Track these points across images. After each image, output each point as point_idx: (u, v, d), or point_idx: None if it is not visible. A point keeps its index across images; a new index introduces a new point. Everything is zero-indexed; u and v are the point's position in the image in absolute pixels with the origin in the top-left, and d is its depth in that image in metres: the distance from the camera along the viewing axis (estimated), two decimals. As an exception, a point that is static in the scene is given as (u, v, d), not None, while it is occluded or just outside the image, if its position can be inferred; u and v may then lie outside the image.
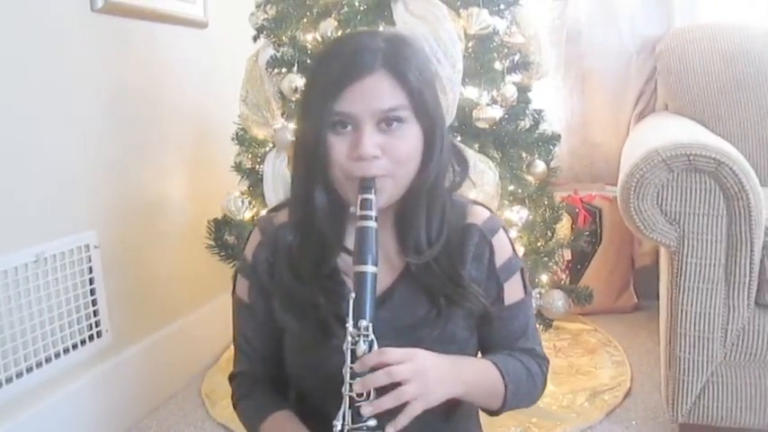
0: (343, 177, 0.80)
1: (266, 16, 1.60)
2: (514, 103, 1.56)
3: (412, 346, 0.76)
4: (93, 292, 1.52)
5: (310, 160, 0.81)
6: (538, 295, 1.63)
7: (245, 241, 0.94)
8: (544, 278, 1.65)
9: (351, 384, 0.71)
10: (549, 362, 0.94)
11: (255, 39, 1.65)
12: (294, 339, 0.88)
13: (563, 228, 1.77)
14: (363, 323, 0.73)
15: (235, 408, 0.95)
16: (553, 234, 1.67)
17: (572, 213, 2.13)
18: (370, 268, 0.75)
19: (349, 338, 0.73)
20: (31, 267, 1.34)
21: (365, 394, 0.71)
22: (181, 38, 1.87)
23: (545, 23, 2.24)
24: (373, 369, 0.71)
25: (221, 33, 2.02)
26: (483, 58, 1.50)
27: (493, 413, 0.88)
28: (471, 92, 1.53)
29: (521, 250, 1.62)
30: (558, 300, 1.61)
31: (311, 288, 0.83)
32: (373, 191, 0.77)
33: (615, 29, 2.25)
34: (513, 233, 1.63)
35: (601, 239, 2.22)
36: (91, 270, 1.51)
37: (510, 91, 1.54)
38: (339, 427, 0.70)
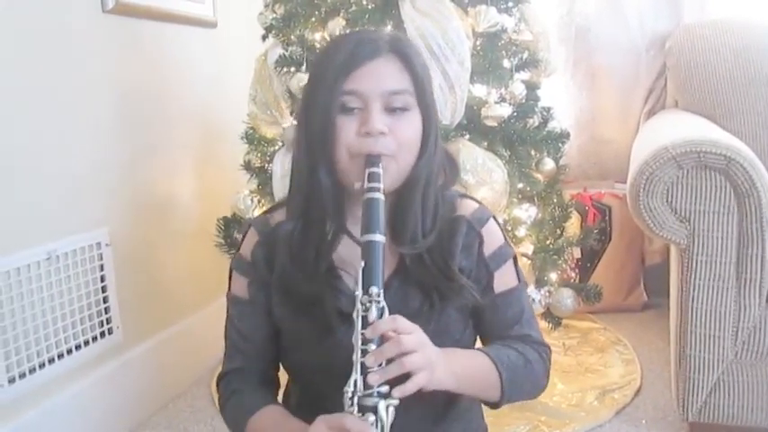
0: (349, 157, 0.81)
1: (275, 15, 1.60)
2: (523, 101, 1.56)
3: None
4: (104, 289, 1.53)
5: (316, 142, 0.83)
6: (547, 293, 1.62)
7: (240, 242, 0.95)
8: (553, 276, 1.64)
9: (363, 351, 0.72)
10: (549, 347, 0.93)
11: (264, 38, 1.66)
12: (292, 335, 0.89)
13: (572, 226, 1.76)
14: (374, 290, 0.74)
15: (223, 408, 0.94)
16: (562, 232, 1.66)
17: (581, 211, 2.12)
18: (378, 237, 0.76)
19: (359, 306, 0.74)
20: (43, 265, 1.36)
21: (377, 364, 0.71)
22: (190, 38, 1.88)
23: (553, 20, 2.23)
24: (383, 335, 0.72)
25: (230, 33, 2.03)
26: (491, 55, 1.50)
27: (495, 405, 0.87)
28: (479, 90, 1.53)
29: (530, 248, 1.62)
30: (567, 298, 1.61)
31: (312, 283, 0.84)
32: (380, 165, 0.80)
33: (624, 25, 2.24)
34: (522, 231, 1.63)
35: (610, 237, 2.21)
36: (102, 268, 1.52)
37: (518, 89, 1.54)
38: (350, 394, 0.71)
